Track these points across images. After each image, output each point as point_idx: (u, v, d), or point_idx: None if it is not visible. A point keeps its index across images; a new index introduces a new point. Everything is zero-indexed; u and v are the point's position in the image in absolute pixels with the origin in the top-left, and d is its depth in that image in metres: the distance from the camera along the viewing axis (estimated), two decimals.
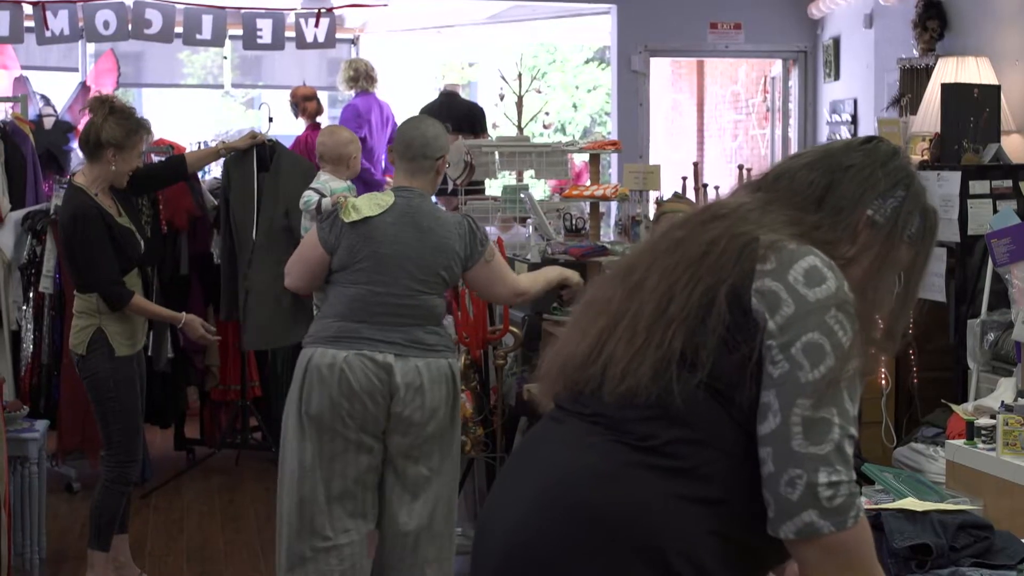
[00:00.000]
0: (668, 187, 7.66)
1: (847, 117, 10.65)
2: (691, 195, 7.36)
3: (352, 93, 10.07)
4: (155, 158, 8.00)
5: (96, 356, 5.54)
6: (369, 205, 4.77)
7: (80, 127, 8.88)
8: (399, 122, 5.39)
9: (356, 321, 4.71)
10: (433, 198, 5.14)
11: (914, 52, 8.99)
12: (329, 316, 4.78)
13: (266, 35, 10.14)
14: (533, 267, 6.30)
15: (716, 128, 15.27)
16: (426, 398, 4.73)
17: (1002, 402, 5.14)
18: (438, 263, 4.78)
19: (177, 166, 6.43)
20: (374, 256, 4.72)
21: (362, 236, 4.73)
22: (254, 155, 7.36)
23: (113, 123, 5.54)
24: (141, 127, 5.65)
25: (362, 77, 9.96)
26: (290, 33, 10.18)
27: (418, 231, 4.76)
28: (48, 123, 8.55)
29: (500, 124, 8.99)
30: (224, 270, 7.61)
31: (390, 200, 4.79)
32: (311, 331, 4.83)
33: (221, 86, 15.49)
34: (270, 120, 7.75)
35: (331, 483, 4.74)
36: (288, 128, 10.03)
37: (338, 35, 10.71)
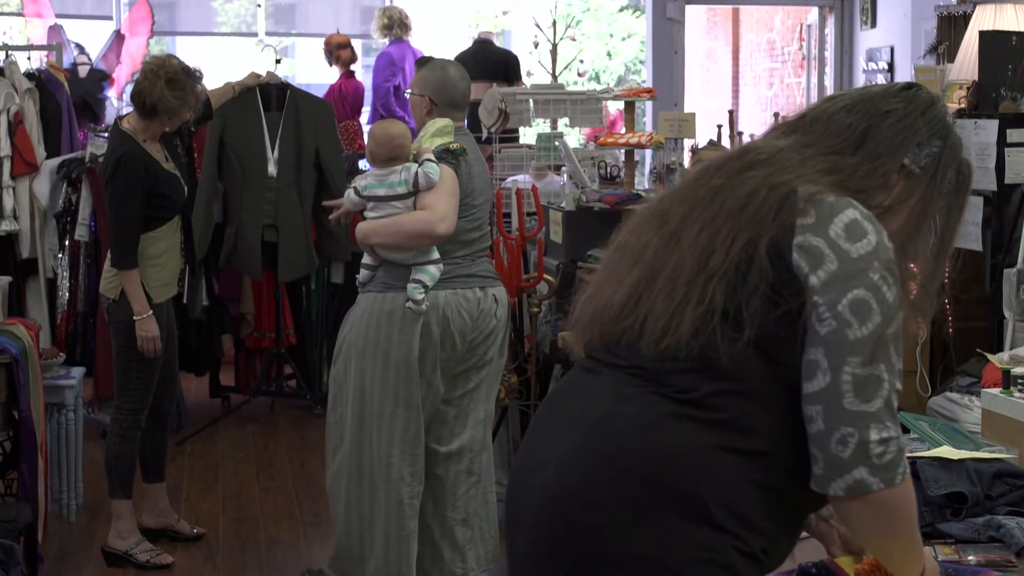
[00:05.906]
0: (703, 135, 7.63)
1: (883, 65, 10.56)
2: (726, 143, 7.33)
3: (386, 41, 10.05)
4: None
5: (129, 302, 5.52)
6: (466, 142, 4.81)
7: (115, 75, 8.92)
8: None
9: (447, 262, 4.71)
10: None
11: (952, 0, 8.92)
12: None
13: None
14: (568, 215, 6.29)
15: (751, 76, 15.18)
16: (495, 322, 4.84)
17: None
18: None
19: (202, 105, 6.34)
20: (476, 193, 4.79)
21: (475, 175, 4.78)
22: (257, 94, 7.57)
23: (169, 95, 5.45)
24: (194, 87, 5.57)
25: (396, 25, 9.94)
26: None
27: (484, 168, 4.91)
28: (83, 71, 8.54)
29: (534, 72, 8.97)
30: (202, 212, 7.49)
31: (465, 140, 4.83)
32: (398, 276, 4.72)
33: (255, 34, 15.44)
34: (277, 61, 7.76)
35: (427, 429, 4.80)
36: (322, 76, 10.01)
37: None
